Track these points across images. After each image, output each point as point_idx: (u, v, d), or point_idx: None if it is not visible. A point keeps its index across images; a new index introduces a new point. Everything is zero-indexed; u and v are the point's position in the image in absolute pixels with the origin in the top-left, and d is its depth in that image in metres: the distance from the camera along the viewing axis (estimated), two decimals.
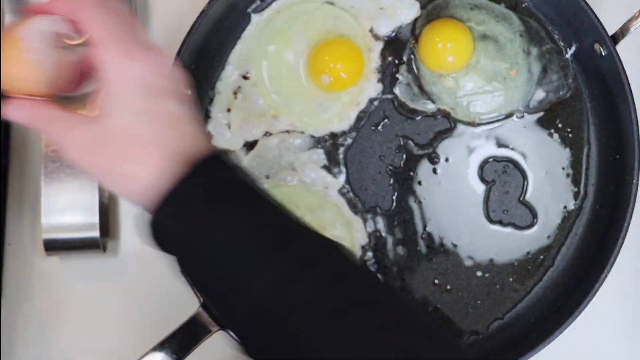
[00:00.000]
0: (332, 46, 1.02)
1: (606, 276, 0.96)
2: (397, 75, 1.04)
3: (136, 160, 0.75)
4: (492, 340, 1.01)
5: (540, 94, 1.04)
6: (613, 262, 0.96)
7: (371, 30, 1.04)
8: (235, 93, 1.04)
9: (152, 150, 0.75)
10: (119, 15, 0.78)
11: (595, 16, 0.98)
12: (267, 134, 1.03)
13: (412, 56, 1.04)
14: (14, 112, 0.80)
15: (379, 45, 1.04)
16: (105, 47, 0.76)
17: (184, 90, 0.79)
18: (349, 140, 1.04)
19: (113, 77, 0.76)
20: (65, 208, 0.99)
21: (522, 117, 1.04)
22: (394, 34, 1.04)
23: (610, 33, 0.98)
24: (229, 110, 1.04)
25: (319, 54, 1.02)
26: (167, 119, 0.76)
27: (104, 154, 0.76)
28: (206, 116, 1.04)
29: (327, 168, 1.03)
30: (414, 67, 1.04)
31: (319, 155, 1.03)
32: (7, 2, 1.05)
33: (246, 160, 1.03)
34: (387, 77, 1.04)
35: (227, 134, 1.03)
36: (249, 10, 1.04)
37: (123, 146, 0.75)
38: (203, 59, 1.02)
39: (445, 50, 1.02)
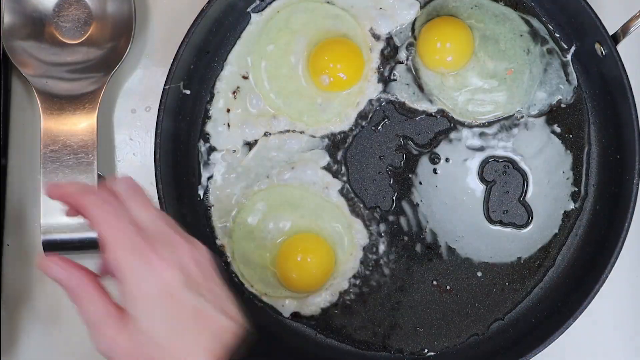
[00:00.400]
0: (332, 46, 1.02)
1: (606, 276, 0.96)
2: (397, 75, 1.04)
3: None
4: (492, 341, 1.01)
5: (540, 95, 1.03)
6: (613, 263, 0.96)
7: (371, 30, 1.04)
8: (234, 93, 1.04)
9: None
10: (135, 208, 0.78)
11: (596, 16, 0.98)
12: (267, 134, 1.03)
13: (411, 56, 1.04)
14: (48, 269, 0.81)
15: (379, 45, 1.04)
16: (113, 253, 0.75)
17: (207, 282, 0.78)
18: (349, 140, 1.03)
19: (130, 284, 0.75)
20: (64, 208, 0.99)
21: (522, 117, 1.03)
22: (393, 34, 1.04)
23: (610, 33, 0.97)
24: (228, 110, 1.04)
25: (318, 54, 1.02)
26: (193, 319, 0.76)
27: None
28: (205, 116, 1.03)
29: (327, 168, 1.03)
30: (414, 67, 1.04)
31: (319, 155, 1.03)
32: (7, 2, 1.04)
33: (246, 160, 1.03)
34: (387, 77, 1.04)
35: (226, 134, 1.03)
36: (249, 9, 1.04)
37: (154, 354, 0.75)
38: (202, 58, 1.02)
39: (444, 49, 1.02)
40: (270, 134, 1.03)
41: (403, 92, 1.04)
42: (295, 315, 1.02)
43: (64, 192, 0.80)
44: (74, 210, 0.80)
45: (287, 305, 1.01)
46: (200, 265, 0.78)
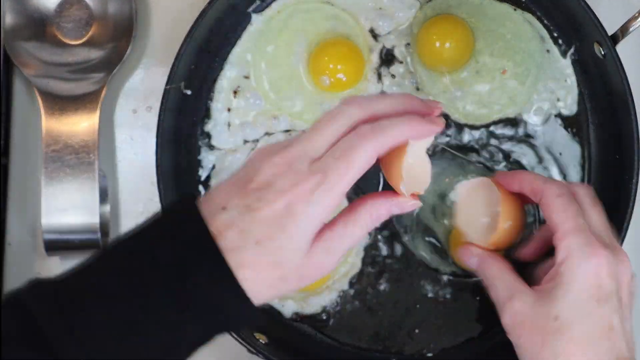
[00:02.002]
0: (333, 47, 1.02)
1: None
2: (396, 76, 1.04)
3: None
4: (492, 341, 1.01)
5: (540, 96, 1.03)
6: None
7: (371, 30, 1.04)
8: (235, 92, 1.04)
9: None
10: (584, 207, 0.84)
11: (595, 16, 0.98)
12: (268, 134, 1.03)
13: (410, 56, 1.04)
14: (466, 258, 0.90)
15: (379, 45, 1.04)
16: (566, 237, 0.81)
17: (626, 297, 0.82)
18: None
19: (568, 267, 0.80)
20: (66, 208, 0.99)
21: (522, 117, 1.03)
22: (393, 34, 1.04)
23: (609, 33, 0.97)
24: (229, 110, 1.04)
25: (319, 54, 1.02)
26: (604, 328, 0.79)
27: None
28: (206, 116, 1.04)
29: None
30: (413, 66, 1.04)
31: None
32: (9, 2, 1.05)
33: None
34: (387, 77, 1.04)
35: (226, 134, 1.03)
36: (250, 10, 1.04)
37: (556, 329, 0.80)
38: (203, 58, 1.02)
39: (443, 48, 1.02)
40: (271, 133, 1.03)
41: (403, 91, 1.04)
42: (296, 316, 1.02)
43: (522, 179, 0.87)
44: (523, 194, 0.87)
45: (287, 305, 1.01)
46: (631, 287, 0.83)
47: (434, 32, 1.02)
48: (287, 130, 1.03)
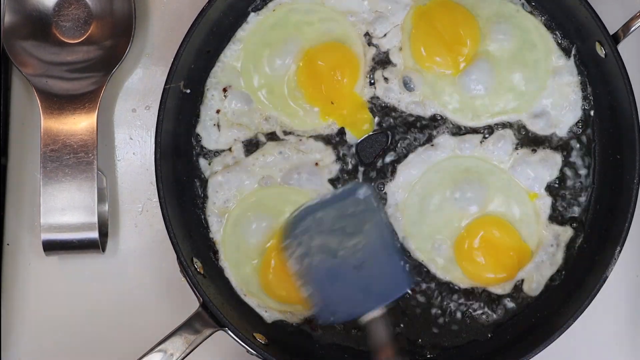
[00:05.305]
0: (326, 53, 1.01)
1: (607, 276, 0.96)
2: (391, 78, 1.03)
3: None
4: (493, 341, 1.01)
5: (540, 98, 1.03)
6: (614, 263, 0.96)
7: (366, 33, 1.04)
8: (225, 90, 1.03)
9: None
10: None
11: (596, 15, 0.97)
12: (259, 134, 1.03)
13: (404, 58, 1.03)
14: None
15: (373, 49, 1.03)
16: None
17: None
18: (344, 142, 1.03)
19: None
20: (64, 208, 0.99)
21: (523, 118, 1.03)
22: (388, 37, 1.03)
23: (611, 32, 0.97)
24: (218, 111, 1.03)
25: (312, 61, 1.01)
26: None
27: None
28: (196, 116, 1.03)
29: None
30: (408, 68, 1.03)
31: (312, 155, 1.03)
32: (8, 1, 1.04)
33: (243, 161, 1.02)
34: (380, 80, 1.03)
35: (216, 135, 1.02)
36: (249, 9, 1.04)
37: None
38: (202, 58, 1.02)
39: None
40: (262, 134, 1.03)
41: (397, 95, 1.03)
42: (296, 316, 1.02)
43: None
44: None
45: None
46: None
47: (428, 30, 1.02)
48: (276, 132, 1.02)
